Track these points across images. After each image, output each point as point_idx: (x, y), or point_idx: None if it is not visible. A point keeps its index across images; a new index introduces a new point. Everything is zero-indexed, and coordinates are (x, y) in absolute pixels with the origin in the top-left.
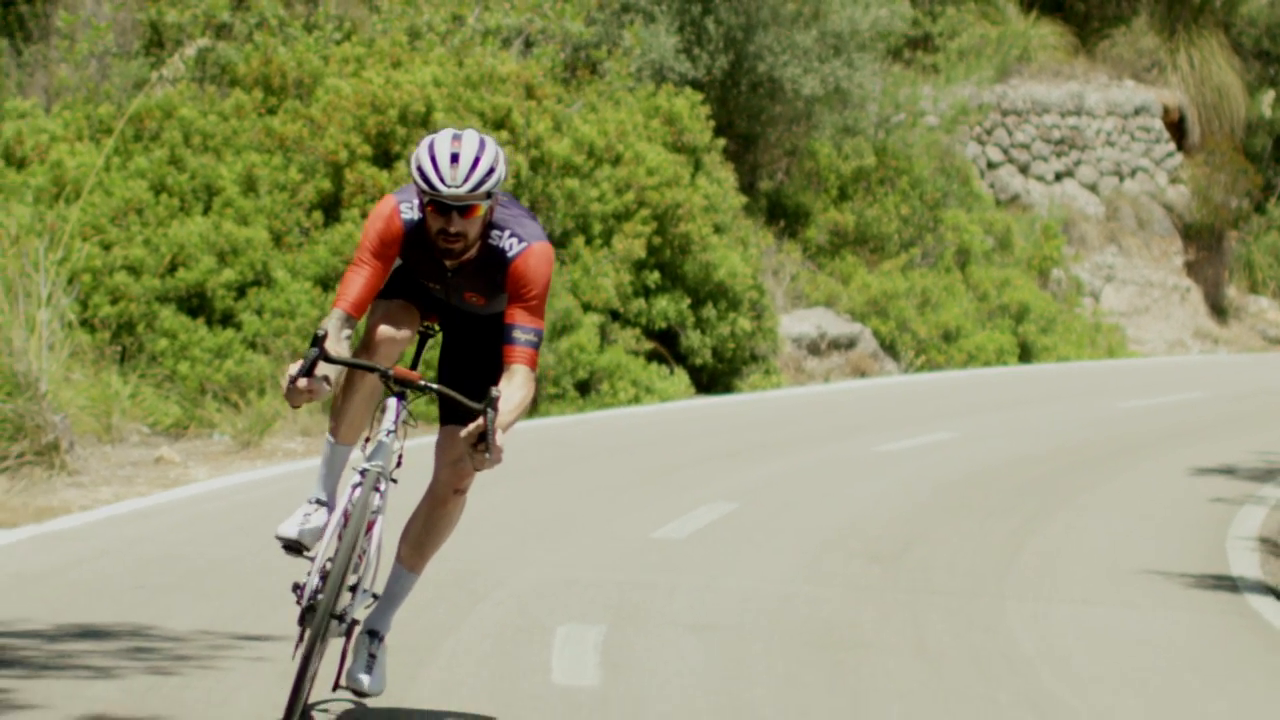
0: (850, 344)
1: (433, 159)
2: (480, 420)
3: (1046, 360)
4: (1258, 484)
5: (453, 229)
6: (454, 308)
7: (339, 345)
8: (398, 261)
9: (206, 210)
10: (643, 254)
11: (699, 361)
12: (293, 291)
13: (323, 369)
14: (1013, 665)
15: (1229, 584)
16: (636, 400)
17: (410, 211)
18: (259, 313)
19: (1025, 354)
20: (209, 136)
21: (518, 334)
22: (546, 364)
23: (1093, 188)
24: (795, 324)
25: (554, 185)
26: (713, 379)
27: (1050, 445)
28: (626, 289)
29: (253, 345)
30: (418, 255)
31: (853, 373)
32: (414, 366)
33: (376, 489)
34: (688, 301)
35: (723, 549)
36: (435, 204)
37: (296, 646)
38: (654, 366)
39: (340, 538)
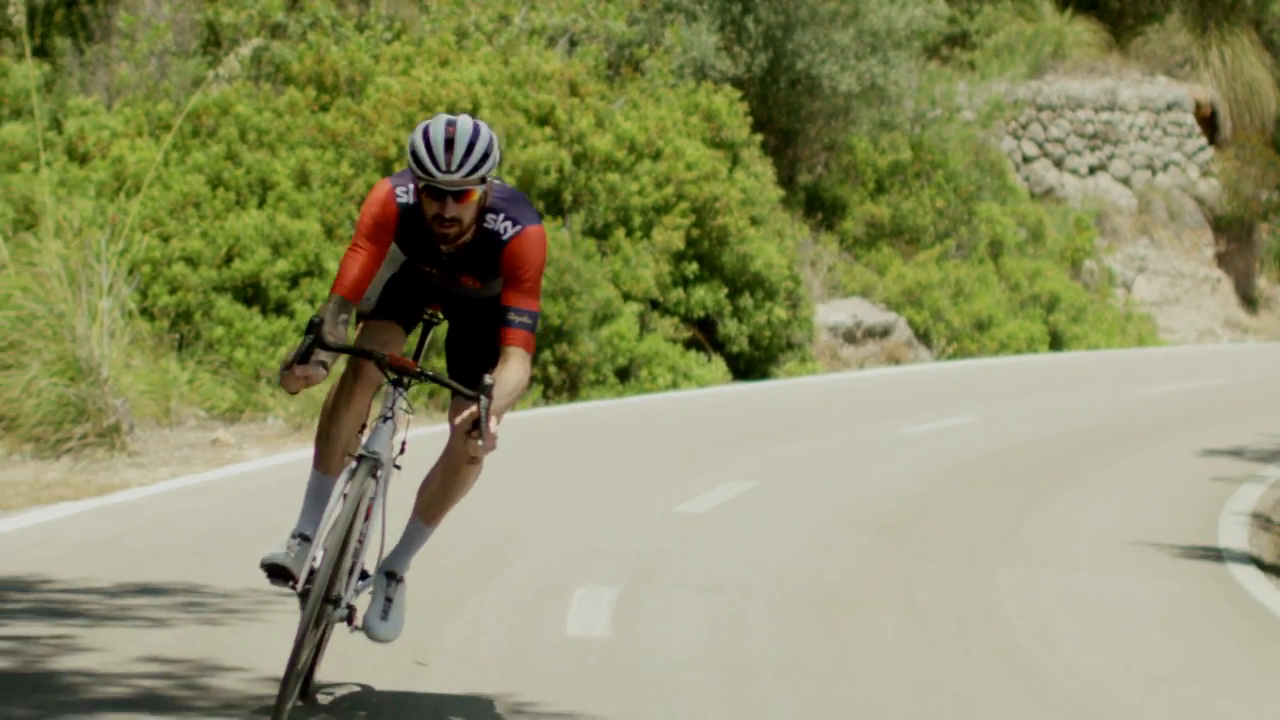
0: (885, 332)
1: (428, 145)
2: (474, 408)
3: (1076, 348)
4: (1261, 464)
5: (448, 214)
6: (453, 294)
7: (336, 330)
8: (394, 270)
9: (261, 204)
10: (681, 245)
11: (736, 349)
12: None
13: (319, 355)
14: (993, 623)
15: (1215, 554)
16: (674, 386)
17: (405, 196)
18: (311, 302)
19: (1056, 342)
20: (264, 133)
21: (512, 316)
22: (588, 351)
23: (1125, 181)
24: (832, 313)
25: (596, 179)
26: (749, 366)
27: (1067, 428)
28: (665, 279)
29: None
30: (413, 239)
31: (887, 360)
32: (417, 355)
33: (374, 475)
34: (725, 291)
35: (739, 521)
36: (430, 189)
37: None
38: (692, 354)
39: (337, 523)
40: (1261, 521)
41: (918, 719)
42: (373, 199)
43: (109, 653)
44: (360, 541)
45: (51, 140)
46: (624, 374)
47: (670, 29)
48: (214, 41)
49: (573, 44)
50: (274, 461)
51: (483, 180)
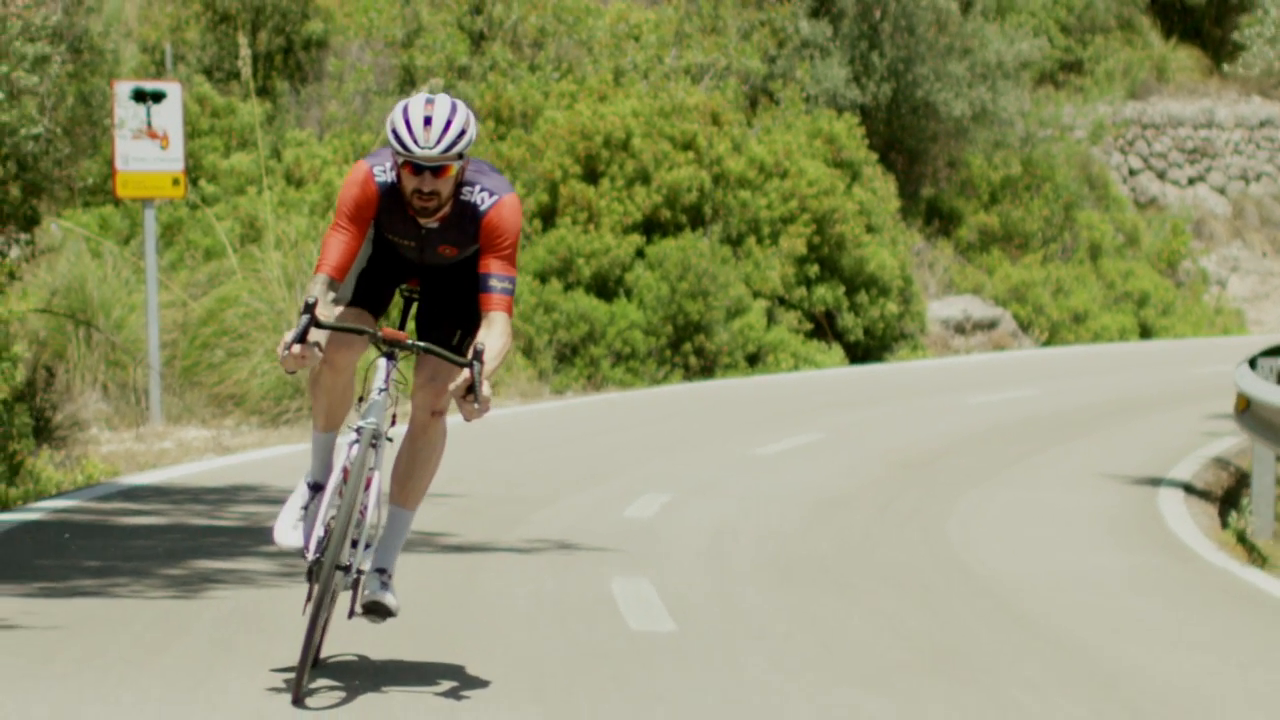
0: (992, 325)
1: (407, 123)
2: (468, 374)
3: (1165, 339)
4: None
5: (426, 188)
6: (428, 267)
7: (326, 309)
8: (363, 265)
9: None
10: (804, 251)
11: (853, 339)
12: (517, 285)
13: (314, 335)
14: (936, 522)
15: (1157, 481)
16: (796, 369)
17: (384, 175)
18: None
19: (1146, 333)
20: None
21: (494, 282)
22: (722, 340)
23: (1222, 191)
24: (944, 308)
25: (731, 196)
26: (865, 353)
27: (1109, 398)
28: (790, 279)
29: None
30: (393, 215)
31: (993, 349)
32: (401, 328)
33: (373, 445)
34: (843, 289)
35: (793, 459)
36: (410, 164)
37: (307, 601)
38: (813, 342)
39: (341, 494)
40: (1219, 463)
41: (846, 556)
42: (352, 180)
43: None
44: (362, 512)
45: (272, 167)
46: (753, 359)
47: (801, 67)
48: (409, 81)
49: (717, 79)
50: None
51: (460, 156)
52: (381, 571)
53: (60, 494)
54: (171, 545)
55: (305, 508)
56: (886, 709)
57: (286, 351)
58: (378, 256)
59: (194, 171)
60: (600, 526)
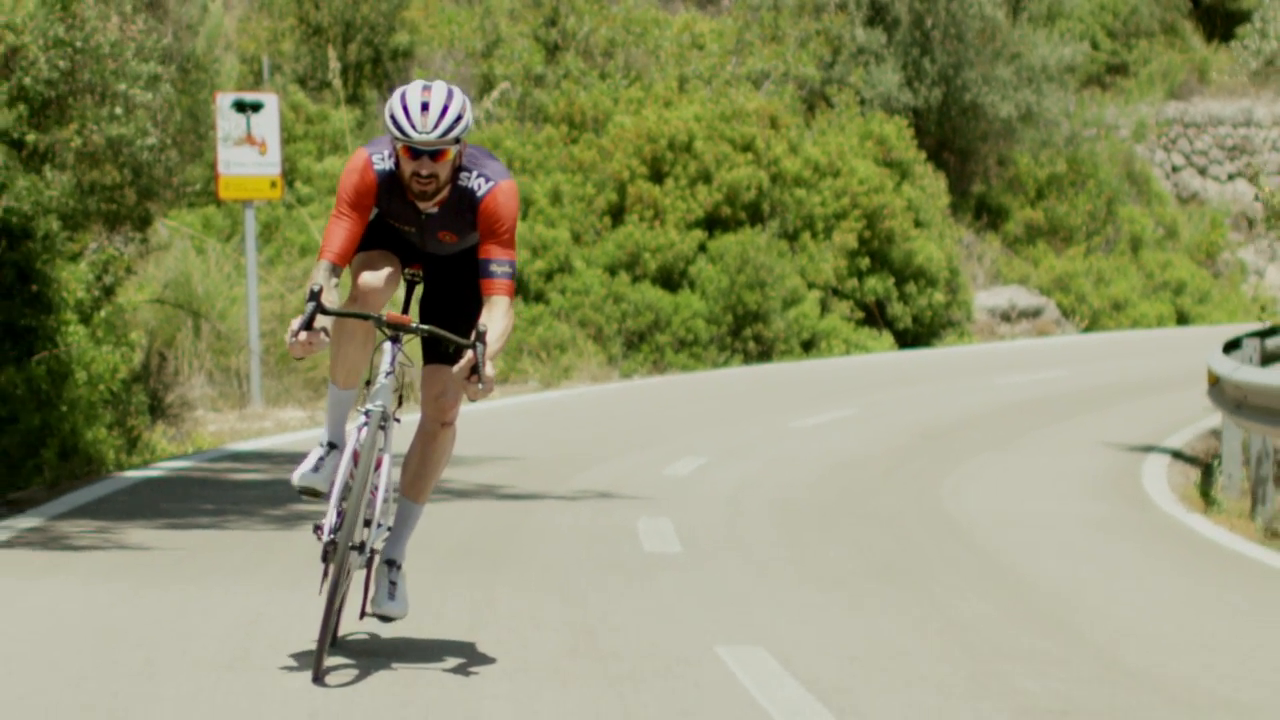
0: (1036, 313)
1: (405, 108)
2: (471, 355)
3: (1200, 325)
4: None
5: (424, 171)
6: (429, 254)
7: (330, 295)
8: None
9: (524, 216)
10: (855, 245)
11: (902, 326)
12: (588, 277)
13: (320, 321)
14: (935, 479)
15: (1161, 450)
16: (848, 354)
17: (382, 162)
18: (562, 292)
19: (1182, 320)
20: (526, 161)
21: (494, 267)
22: (778, 328)
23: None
24: (991, 298)
25: (787, 194)
26: (914, 340)
27: (1129, 379)
28: (842, 271)
29: (557, 316)
30: (392, 201)
31: (1036, 335)
32: (405, 312)
33: (381, 428)
34: (892, 280)
35: (825, 431)
36: (408, 149)
37: (322, 581)
38: (864, 329)
39: (352, 476)
40: (1216, 433)
41: (845, 503)
42: (351, 168)
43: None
44: (373, 492)
45: None
46: (808, 345)
47: (856, 72)
48: (489, 89)
49: (776, 84)
50: (538, 399)
51: (456, 141)
52: (391, 563)
53: (175, 457)
54: (273, 494)
55: (322, 459)
56: (833, 601)
57: (294, 339)
58: (384, 235)
59: (290, 174)
60: (640, 481)
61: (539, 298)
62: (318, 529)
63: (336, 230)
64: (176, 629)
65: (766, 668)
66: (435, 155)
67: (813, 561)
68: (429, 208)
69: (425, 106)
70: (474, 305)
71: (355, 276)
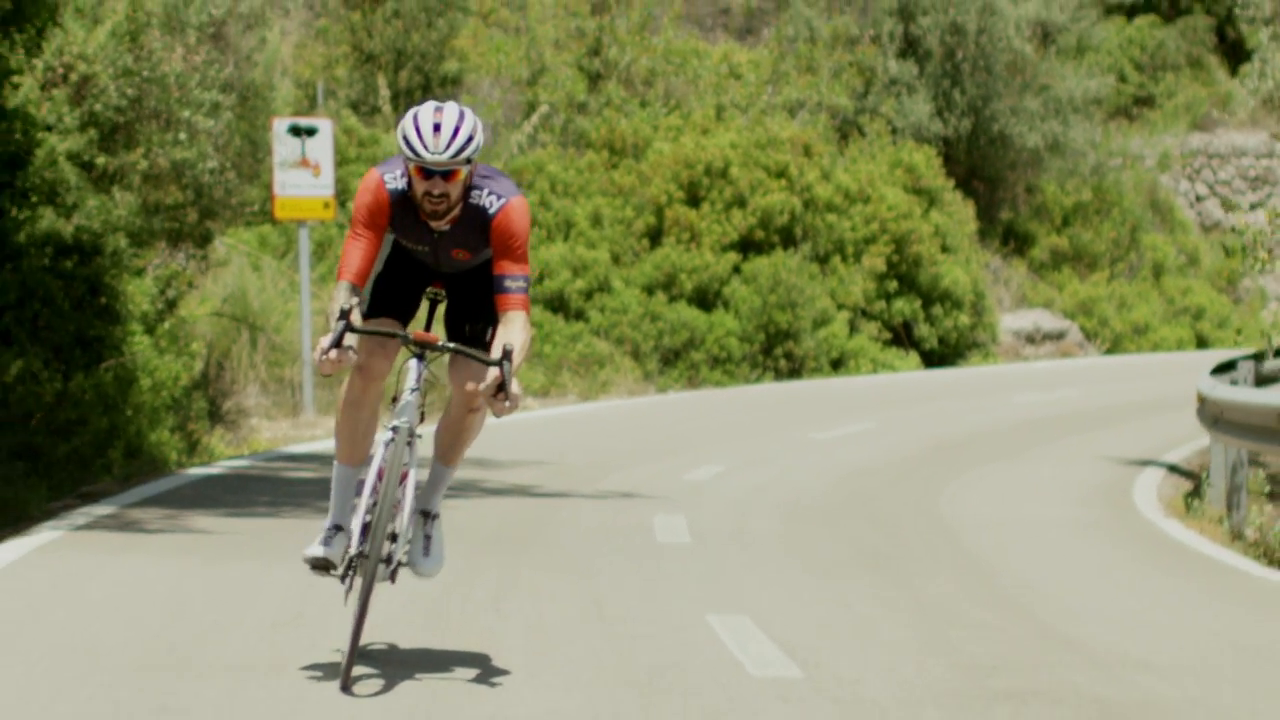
0: (1060, 335)
1: (417, 129)
2: (497, 373)
3: (1219, 349)
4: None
5: (437, 191)
6: (444, 272)
7: (355, 314)
8: (379, 269)
9: (565, 238)
10: (883, 268)
11: (928, 347)
12: (626, 296)
13: (348, 339)
14: (937, 486)
15: (1158, 464)
16: (875, 373)
17: (394, 182)
18: (601, 310)
19: (1201, 344)
20: (568, 185)
21: (509, 283)
22: (808, 347)
23: None
24: (1016, 321)
25: (819, 219)
26: (940, 360)
27: (1142, 399)
28: (871, 293)
29: (596, 333)
30: (405, 221)
31: (1060, 357)
32: (427, 329)
33: (408, 444)
34: (919, 302)
35: (841, 443)
36: (421, 169)
37: (346, 594)
38: (892, 349)
39: (377, 491)
40: (1204, 448)
41: (848, 506)
42: (365, 189)
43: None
44: (397, 507)
45: None
46: (837, 364)
47: (887, 103)
48: (532, 114)
49: (809, 114)
50: (574, 409)
51: (468, 161)
52: (427, 514)
53: (233, 458)
54: (323, 488)
55: (330, 540)
56: (818, 583)
57: (324, 356)
58: (399, 264)
59: (342, 195)
60: (662, 484)
61: (579, 315)
62: (315, 564)
63: (353, 251)
64: (239, 597)
65: (747, 631)
66: (447, 175)
67: (807, 552)
68: (441, 226)
69: (437, 128)
70: (494, 315)
71: (361, 352)
